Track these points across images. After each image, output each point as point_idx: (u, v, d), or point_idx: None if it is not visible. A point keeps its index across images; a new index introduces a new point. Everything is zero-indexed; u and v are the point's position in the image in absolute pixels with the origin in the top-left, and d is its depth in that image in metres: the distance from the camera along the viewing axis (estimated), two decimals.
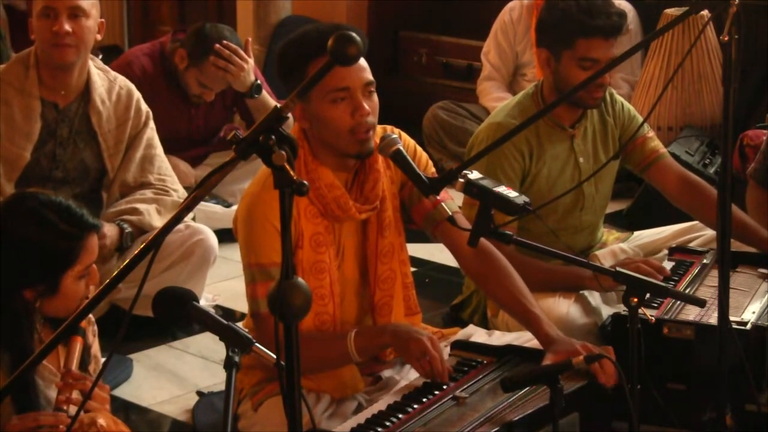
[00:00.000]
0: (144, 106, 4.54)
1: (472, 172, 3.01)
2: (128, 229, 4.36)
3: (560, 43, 3.91)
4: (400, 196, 3.38)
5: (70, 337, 2.91)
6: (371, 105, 3.15)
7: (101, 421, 2.81)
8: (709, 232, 4.15)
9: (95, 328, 3.13)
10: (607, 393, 3.06)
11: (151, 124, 4.55)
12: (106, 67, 4.56)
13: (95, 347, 3.10)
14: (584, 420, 3.03)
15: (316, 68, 2.16)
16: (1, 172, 4.34)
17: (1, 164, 4.35)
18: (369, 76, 3.16)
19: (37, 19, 4.30)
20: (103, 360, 3.16)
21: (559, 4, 3.94)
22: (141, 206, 4.42)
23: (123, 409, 3.92)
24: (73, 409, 2.81)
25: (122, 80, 4.53)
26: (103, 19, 4.40)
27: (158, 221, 4.40)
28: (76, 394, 2.84)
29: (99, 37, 4.39)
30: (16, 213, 2.92)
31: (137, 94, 4.53)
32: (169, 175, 4.58)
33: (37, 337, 2.93)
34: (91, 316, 2.99)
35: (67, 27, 4.24)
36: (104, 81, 4.47)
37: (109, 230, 4.31)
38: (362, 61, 3.13)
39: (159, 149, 4.57)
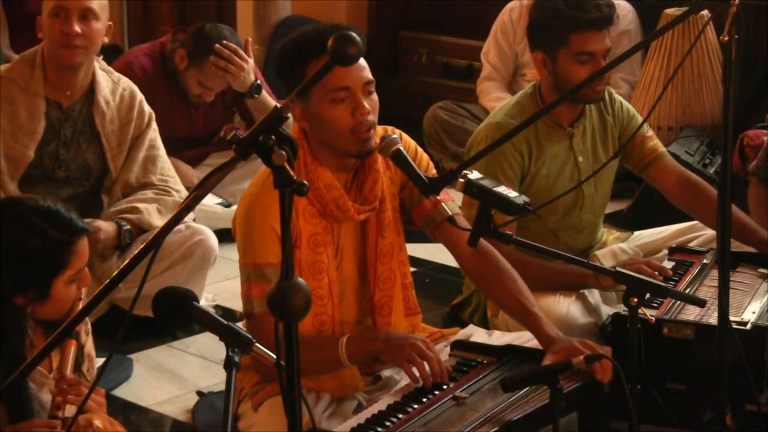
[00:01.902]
0: (147, 108, 4.54)
1: (472, 172, 3.01)
2: (126, 226, 4.36)
3: (554, 42, 3.91)
4: (400, 197, 3.38)
5: (63, 341, 2.89)
6: (371, 104, 3.15)
7: (97, 423, 2.81)
8: (709, 232, 4.15)
9: (88, 326, 3.12)
10: (604, 392, 3.06)
11: (154, 125, 4.56)
12: (110, 68, 4.57)
13: (89, 346, 3.09)
14: (582, 419, 3.03)
15: (316, 68, 2.16)
16: (5, 171, 4.34)
17: (5, 162, 4.35)
18: (369, 75, 3.16)
19: (48, 18, 4.30)
20: (100, 359, 3.15)
21: (547, 5, 3.94)
22: (141, 205, 4.42)
23: (123, 409, 3.92)
24: (68, 415, 2.80)
25: (125, 81, 4.54)
26: (111, 23, 4.40)
27: (158, 220, 4.41)
28: (70, 399, 2.83)
29: (106, 39, 4.38)
30: (4, 220, 2.90)
31: (140, 96, 4.54)
32: (172, 176, 4.58)
33: (28, 342, 2.91)
34: None
35: (77, 28, 4.24)
36: (108, 82, 4.47)
37: (105, 225, 4.31)
38: (362, 61, 3.12)
39: (161, 150, 4.58)
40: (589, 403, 3.06)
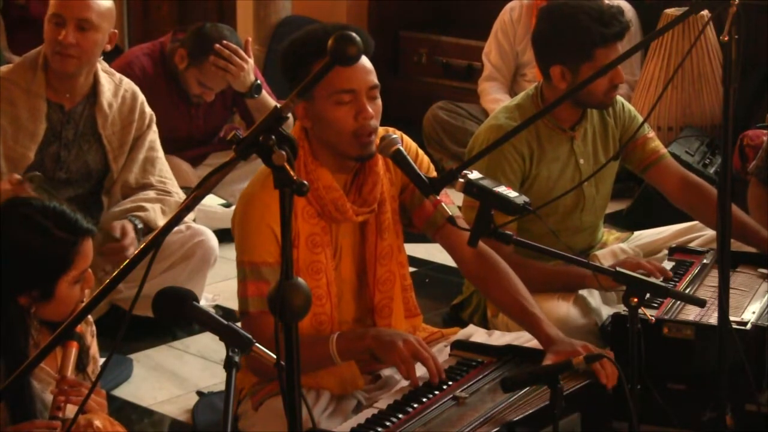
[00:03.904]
0: (148, 109, 4.54)
1: (472, 172, 3.01)
2: (140, 225, 4.36)
3: (578, 57, 3.87)
4: (400, 199, 3.38)
5: (65, 342, 2.89)
6: (375, 109, 3.14)
7: (97, 423, 2.81)
8: (709, 232, 4.15)
9: (93, 329, 3.12)
10: (606, 392, 3.06)
11: (154, 127, 4.56)
12: (112, 70, 4.56)
13: (94, 348, 3.09)
14: (584, 420, 3.03)
15: (320, 68, 2.16)
16: (5, 172, 4.34)
17: (5, 164, 4.34)
18: (374, 79, 3.15)
19: (47, 23, 4.30)
20: (102, 360, 3.16)
21: (562, 17, 3.90)
22: (147, 204, 4.42)
23: (123, 409, 3.92)
24: (68, 415, 2.80)
25: (127, 83, 4.53)
26: (115, 30, 4.38)
27: (162, 220, 4.40)
28: (72, 400, 2.83)
29: (108, 47, 4.37)
30: (10, 219, 2.90)
31: (142, 97, 4.53)
32: (169, 178, 4.59)
33: (32, 342, 2.91)
34: (89, 317, 2.98)
35: (72, 38, 4.22)
36: (110, 84, 4.46)
37: (126, 227, 4.29)
38: (368, 64, 3.13)
39: (160, 152, 4.58)
40: (592, 403, 3.06)
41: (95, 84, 4.42)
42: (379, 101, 3.17)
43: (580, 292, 3.92)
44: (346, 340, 3.17)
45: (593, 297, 3.95)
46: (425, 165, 3.37)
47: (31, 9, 6.36)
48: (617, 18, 3.88)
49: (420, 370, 3.11)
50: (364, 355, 3.22)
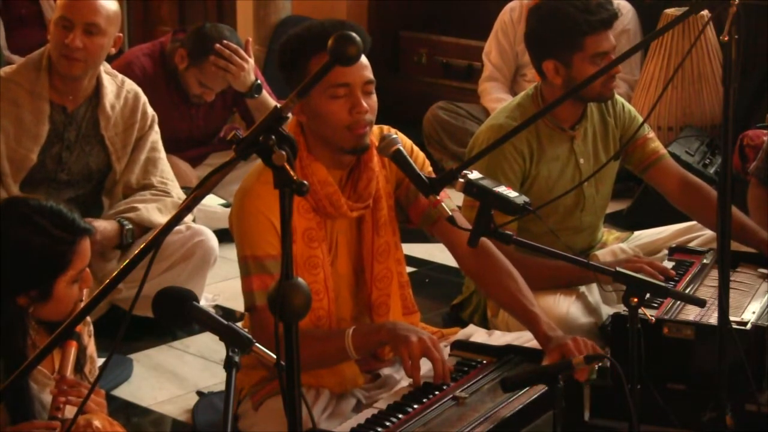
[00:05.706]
0: (150, 110, 4.54)
1: (472, 172, 3.01)
2: (128, 225, 4.36)
3: (568, 48, 3.89)
4: (395, 195, 3.38)
5: (64, 342, 2.89)
6: (370, 103, 3.15)
7: (97, 423, 2.80)
8: (709, 232, 4.15)
9: (90, 328, 3.12)
10: (580, 389, 3.06)
11: (156, 128, 4.56)
12: (114, 71, 4.56)
13: (91, 348, 3.09)
14: (559, 417, 3.01)
15: (318, 64, 2.17)
16: (8, 173, 4.34)
17: (8, 165, 4.34)
18: (369, 74, 3.16)
19: (54, 25, 4.30)
20: (100, 360, 3.15)
21: (550, 13, 3.91)
22: (139, 204, 4.42)
23: (123, 409, 3.92)
24: (68, 416, 2.80)
25: (129, 84, 4.53)
26: (120, 34, 4.39)
27: (158, 216, 4.40)
28: (71, 400, 2.83)
29: (113, 50, 4.38)
30: (7, 219, 2.89)
31: (144, 98, 4.53)
32: (171, 179, 4.59)
33: (30, 342, 2.91)
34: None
35: (79, 42, 4.23)
36: (113, 85, 4.47)
37: (103, 224, 4.29)
38: (364, 60, 3.13)
39: (162, 153, 4.58)
40: (566, 400, 3.05)
41: (98, 86, 4.42)
42: (374, 97, 3.18)
43: (581, 290, 3.92)
44: (362, 333, 3.16)
45: (593, 296, 3.95)
46: (420, 161, 3.37)
47: (22, 7, 6.35)
48: (603, 6, 3.89)
49: (423, 368, 3.10)
50: (378, 348, 3.23)
